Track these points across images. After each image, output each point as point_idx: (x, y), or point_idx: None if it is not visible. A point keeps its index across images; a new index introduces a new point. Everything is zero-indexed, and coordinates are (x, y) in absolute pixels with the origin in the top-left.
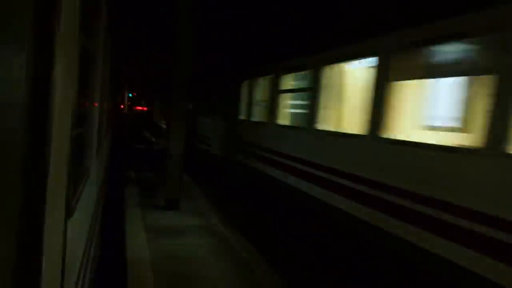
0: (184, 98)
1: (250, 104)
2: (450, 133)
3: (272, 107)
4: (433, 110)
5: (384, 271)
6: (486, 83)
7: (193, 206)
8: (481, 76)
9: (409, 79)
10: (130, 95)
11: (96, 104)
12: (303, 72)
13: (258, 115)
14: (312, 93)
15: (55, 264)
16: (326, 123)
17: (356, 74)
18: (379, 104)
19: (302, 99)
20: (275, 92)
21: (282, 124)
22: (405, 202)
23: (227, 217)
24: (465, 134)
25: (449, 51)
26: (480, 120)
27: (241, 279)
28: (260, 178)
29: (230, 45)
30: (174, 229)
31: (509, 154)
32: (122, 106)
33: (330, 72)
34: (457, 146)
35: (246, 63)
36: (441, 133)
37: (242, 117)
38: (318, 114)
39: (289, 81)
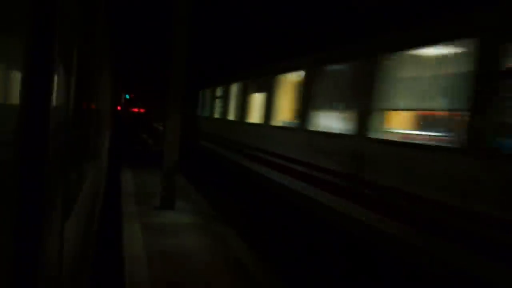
0: (179, 103)
1: (203, 106)
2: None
3: (211, 107)
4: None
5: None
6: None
7: (188, 205)
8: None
9: (254, 93)
10: (128, 96)
11: (94, 106)
12: (222, 87)
13: (206, 112)
14: (224, 99)
15: (53, 265)
16: (229, 115)
17: (237, 90)
18: (244, 104)
19: (223, 103)
20: (213, 98)
21: (215, 117)
22: (243, 147)
23: (220, 214)
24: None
25: (258, 83)
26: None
27: (236, 276)
28: (207, 152)
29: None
30: (170, 227)
31: (274, 126)
32: (119, 108)
33: (229, 88)
34: (258, 123)
35: (200, 78)
36: (259, 118)
37: (199, 114)
38: (226, 111)
39: (218, 92)
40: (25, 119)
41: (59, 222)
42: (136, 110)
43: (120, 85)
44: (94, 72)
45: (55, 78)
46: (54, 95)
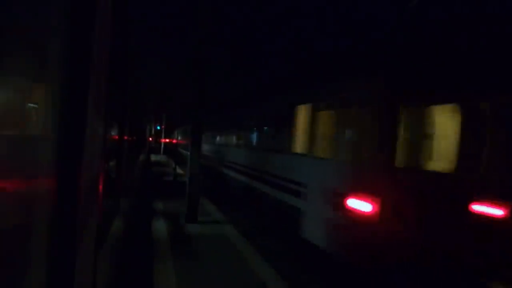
0: (200, 137)
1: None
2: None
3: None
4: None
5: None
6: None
7: (208, 219)
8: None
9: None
10: (158, 127)
11: (126, 137)
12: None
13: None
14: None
15: None
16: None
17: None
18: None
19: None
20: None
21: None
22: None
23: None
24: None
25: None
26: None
27: (242, 272)
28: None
29: None
30: (193, 237)
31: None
32: (150, 139)
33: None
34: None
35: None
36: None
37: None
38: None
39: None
40: (59, 148)
41: (92, 251)
42: (166, 140)
43: (149, 117)
44: (123, 109)
45: (89, 111)
46: (88, 132)
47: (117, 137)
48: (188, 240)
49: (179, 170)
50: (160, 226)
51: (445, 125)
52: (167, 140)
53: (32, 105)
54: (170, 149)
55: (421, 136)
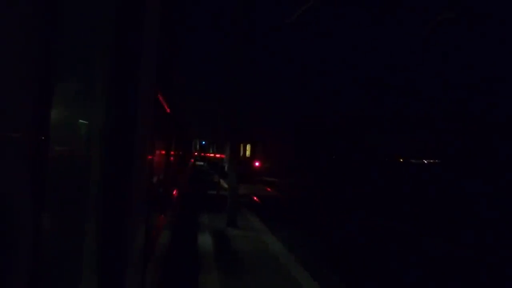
0: (238, 152)
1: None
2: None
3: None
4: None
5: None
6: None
7: (246, 222)
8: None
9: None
10: (204, 142)
11: (173, 152)
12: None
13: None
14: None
15: None
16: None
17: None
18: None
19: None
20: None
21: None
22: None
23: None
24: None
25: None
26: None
27: (274, 269)
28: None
29: None
30: (232, 238)
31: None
32: (195, 153)
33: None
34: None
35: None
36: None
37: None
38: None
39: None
40: (108, 166)
41: (140, 267)
42: (211, 155)
43: (194, 133)
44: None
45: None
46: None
47: (163, 152)
48: (228, 242)
49: (223, 184)
50: (204, 231)
51: (249, 148)
52: (212, 155)
53: (82, 121)
54: (214, 163)
55: (243, 151)
